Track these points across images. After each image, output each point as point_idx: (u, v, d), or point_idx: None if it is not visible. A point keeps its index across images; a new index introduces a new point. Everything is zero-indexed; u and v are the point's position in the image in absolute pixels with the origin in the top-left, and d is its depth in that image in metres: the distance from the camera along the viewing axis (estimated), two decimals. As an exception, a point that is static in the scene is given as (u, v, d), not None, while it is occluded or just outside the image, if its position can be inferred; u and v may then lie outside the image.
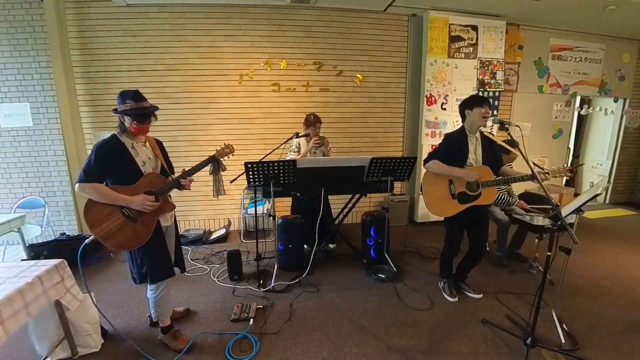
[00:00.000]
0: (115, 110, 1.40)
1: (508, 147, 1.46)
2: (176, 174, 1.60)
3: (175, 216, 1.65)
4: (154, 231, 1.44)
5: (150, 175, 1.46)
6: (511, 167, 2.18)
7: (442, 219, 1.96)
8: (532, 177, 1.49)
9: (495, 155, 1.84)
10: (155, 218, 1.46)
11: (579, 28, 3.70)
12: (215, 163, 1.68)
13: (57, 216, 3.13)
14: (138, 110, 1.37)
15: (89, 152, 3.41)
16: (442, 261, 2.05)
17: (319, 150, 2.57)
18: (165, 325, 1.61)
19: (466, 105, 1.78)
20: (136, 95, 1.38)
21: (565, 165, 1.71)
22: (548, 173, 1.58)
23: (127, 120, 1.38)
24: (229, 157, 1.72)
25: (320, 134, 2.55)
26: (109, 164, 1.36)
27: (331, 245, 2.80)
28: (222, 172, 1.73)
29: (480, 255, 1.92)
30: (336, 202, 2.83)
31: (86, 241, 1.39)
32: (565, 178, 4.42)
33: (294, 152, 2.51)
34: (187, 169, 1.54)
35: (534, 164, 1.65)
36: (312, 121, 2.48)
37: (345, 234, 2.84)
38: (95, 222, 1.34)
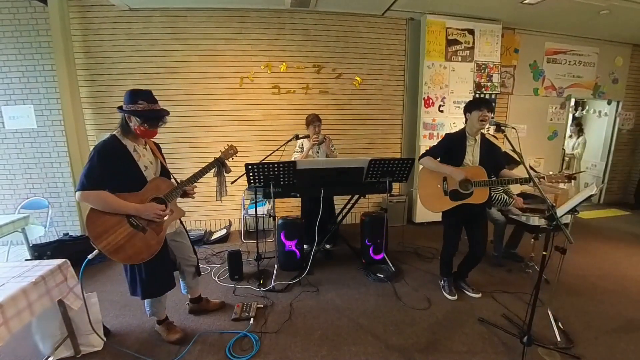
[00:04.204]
0: (120, 109, 1.27)
1: (514, 155, 1.44)
2: (174, 178, 1.55)
3: (181, 220, 1.61)
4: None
5: (157, 180, 1.37)
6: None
7: (440, 219, 1.99)
8: (527, 181, 1.50)
9: (496, 158, 1.85)
10: (165, 225, 1.37)
11: (573, 32, 3.77)
12: (219, 165, 1.63)
13: (60, 217, 3.16)
14: (151, 112, 1.27)
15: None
16: (441, 260, 2.08)
17: (321, 149, 2.59)
18: (161, 319, 1.64)
19: (466, 109, 1.85)
20: (149, 97, 1.28)
21: (562, 172, 1.69)
22: (543, 177, 1.57)
23: (135, 122, 1.27)
24: (232, 159, 1.70)
25: (321, 133, 2.57)
26: (111, 167, 1.24)
27: (327, 246, 2.82)
28: (226, 174, 1.69)
29: (480, 255, 1.95)
30: (335, 203, 2.86)
31: (89, 257, 1.24)
32: (563, 184, 4.43)
33: (298, 152, 2.55)
34: (188, 176, 1.46)
35: (531, 168, 1.67)
36: (311, 120, 2.52)
37: (345, 234, 2.87)
38: (101, 234, 1.20)
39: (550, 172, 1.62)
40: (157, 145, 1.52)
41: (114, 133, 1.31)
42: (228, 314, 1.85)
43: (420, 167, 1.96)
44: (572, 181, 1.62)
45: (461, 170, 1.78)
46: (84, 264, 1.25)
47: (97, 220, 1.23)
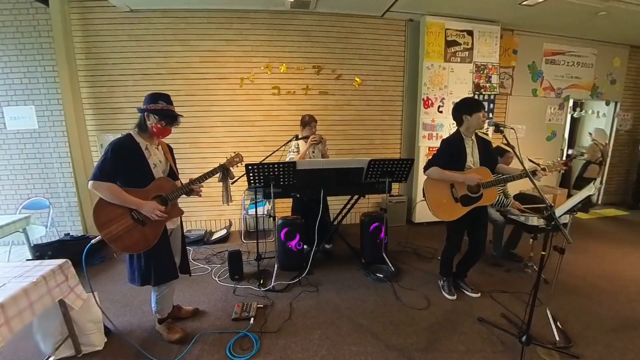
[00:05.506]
0: (140, 109, 1.43)
1: (505, 147, 1.51)
2: (180, 180, 1.62)
3: (181, 219, 1.68)
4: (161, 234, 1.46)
5: (161, 179, 1.48)
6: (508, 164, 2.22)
7: (439, 219, 2.00)
8: (528, 175, 1.53)
9: (491, 155, 1.89)
10: (163, 223, 1.47)
11: (572, 33, 3.79)
12: (224, 171, 1.70)
13: (61, 217, 3.16)
14: (169, 111, 1.44)
15: (94, 154, 3.43)
16: (443, 260, 2.08)
17: (317, 149, 2.61)
18: (162, 317, 1.65)
19: (464, 111, 1.81)
20: (169, 99, 1.48)
21: (559, 159, 1.74)
22: (544, 169, 1.61)
23: (153, 120, 1.41)
24: (237, 166, 1.75)
25: (317, 133, 2.58)
26: (123, 162, 1.37)
27: (327, 246, 2.83)
28: (230, 181, 1.75)
29: (480, 253, 1.96)
30: (335, 203, 2.87)
31: (92, 241, 1.41)
32: (561, 172, 4.45)
33: (294, 152, 2.55)
34: (194, 177, 1.56)
35: (530, 160, 1.70)
36: (308, 121, 2.54)
37: (344, 234, 2.88)
38: (105, 222, 1.34)
39: (549, 162, 1.66)
40: (169, 148, 1.64)
41: (130, 132, 1.46)
42: (228, 314, 1.86)
43: (422, 175, 1.94)
44: (569, 166, 1.68)
45: (472, 174, 1.77)
46: (87, 248, 1.40)
47: (104, 210, 1.36)
